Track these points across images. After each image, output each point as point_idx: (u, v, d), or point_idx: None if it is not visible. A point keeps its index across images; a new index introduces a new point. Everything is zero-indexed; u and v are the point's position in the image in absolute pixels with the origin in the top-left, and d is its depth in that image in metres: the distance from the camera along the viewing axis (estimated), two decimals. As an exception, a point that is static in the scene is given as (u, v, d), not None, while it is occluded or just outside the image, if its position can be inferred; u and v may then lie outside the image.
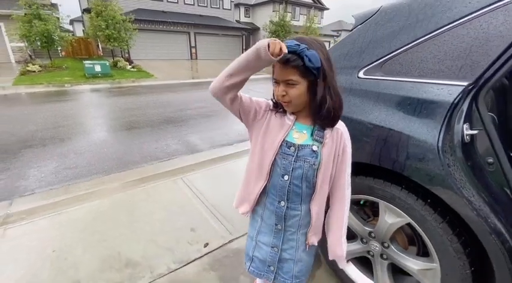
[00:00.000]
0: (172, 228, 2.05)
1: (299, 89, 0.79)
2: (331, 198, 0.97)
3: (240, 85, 0.81)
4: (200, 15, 20.66)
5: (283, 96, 0.81)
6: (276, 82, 0.82)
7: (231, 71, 0.78)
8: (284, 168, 0.88)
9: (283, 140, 0.87)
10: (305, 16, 25.06)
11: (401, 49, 1.14)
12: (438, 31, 1.03)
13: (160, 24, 18.11)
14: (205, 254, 1.78)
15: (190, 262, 1.72)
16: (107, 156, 3.66)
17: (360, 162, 1.20)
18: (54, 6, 15.57)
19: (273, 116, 0.90)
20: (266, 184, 0.93)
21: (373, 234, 1.28)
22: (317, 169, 0.87)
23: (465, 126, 0.94)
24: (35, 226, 2.09)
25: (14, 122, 5.07)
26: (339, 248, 0.98)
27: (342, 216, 0.95)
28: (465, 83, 0.93)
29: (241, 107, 0.88)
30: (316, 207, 0.93)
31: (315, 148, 0.86)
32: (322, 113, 0.81)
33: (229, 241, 1.90)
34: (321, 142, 0.86)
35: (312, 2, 27.57)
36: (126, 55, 15.37)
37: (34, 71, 11.09)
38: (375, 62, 1.21)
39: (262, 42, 0.70)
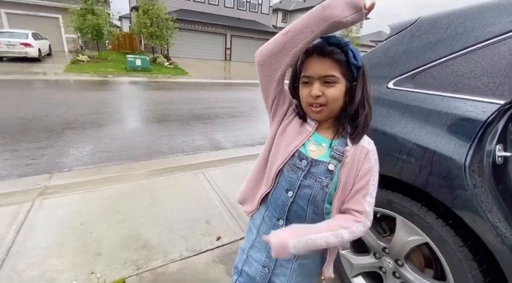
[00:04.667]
0: (189, 218, 2.13)
1: (338, 89, 0.66)
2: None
3: (293, 47, 0.65)
4: (238, 19, 21.17)
5: (319, 97, 0.67)
6: (308, 81, 0.69)
7: (291, 27, 0.65)
8: (290, 182, 0.75)
9: (297, 149, 0.74)
10: (343, 24, 24.61)
11: (436, 62, 1.10)
12: (478, 46, 0.99)
13: (199, 24, 18.86)
14: (217, 247, 1.83)
15: (202, 252, 1.78)
16: (138, 144, 3.89)
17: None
18: (106, 2, 16.91)
19: (296, 118, 0.77)
20: (270, 192, 0.82)
21: (387, 250, 1.24)
22: (332, 194, 0.72)
23: (498, 147, 0.89)
24: (68, 200, 2.29)
25: (61, 105, 5.58)
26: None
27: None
28: (502, 102, 0.88)
29: (281, 93, 0.75)
30: None
31: (331, 167, 0.71)
32: (357, 123, 0.69)
33: (241, 238, 1.94)
34: (340, 161, 0.71)
35: (352, 10, 27.01)
36: (165, 52, 16.21)
37: (83, 61, 12.11)
38: (407, 73, 1.19)
39: None
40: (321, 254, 0.84)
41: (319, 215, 0.75)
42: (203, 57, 19.93)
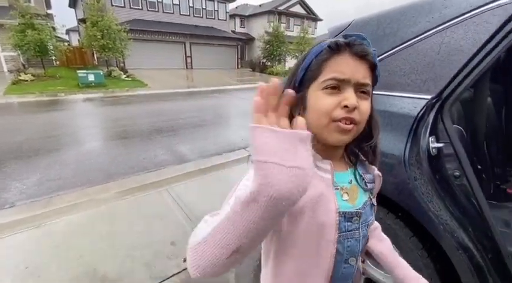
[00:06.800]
0: (152, 242, 1.99)
1: (369, 106, 0.51)
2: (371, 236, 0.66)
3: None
4: (195, 26, 20.91)
5: (355, 109, 0.47)
6: (336, 86, 0.47)
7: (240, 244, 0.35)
8: (350, 251, 0.55)
9: (338, 212, 0.52)
10: (299, 27, 25.58)
11: (371, 62, 1.15)
12: (403, 45, 1.05)
13: (155, 34, 18.27)
14: (184, 269, 1.73)
15: (168, 278, 1.67)
16: (93, 167, 3.60)
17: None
18: (48, 16, 15.65)
19: None
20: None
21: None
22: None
23: (431, 139, 0.94)
24: (10, 241, 2.02)
25: (2, 132, 4.99)
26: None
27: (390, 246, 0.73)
28: (429, 96, 0.94)
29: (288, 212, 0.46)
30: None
31: (374, 201, 0.60)
32: (374, 146, 0.57)
33: (210, 255, 1.86)
34: (371, 191, 0.59)
35: (305, 13, 28.17)
36: (121, 64, 15.42)
37: (26, 80, 11.04)
38: (346, 74, 1.22)
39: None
40: None
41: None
42: (163, 67, 19.32)
